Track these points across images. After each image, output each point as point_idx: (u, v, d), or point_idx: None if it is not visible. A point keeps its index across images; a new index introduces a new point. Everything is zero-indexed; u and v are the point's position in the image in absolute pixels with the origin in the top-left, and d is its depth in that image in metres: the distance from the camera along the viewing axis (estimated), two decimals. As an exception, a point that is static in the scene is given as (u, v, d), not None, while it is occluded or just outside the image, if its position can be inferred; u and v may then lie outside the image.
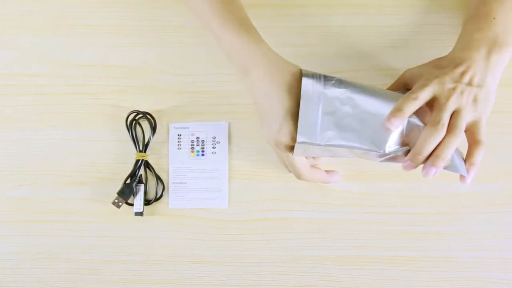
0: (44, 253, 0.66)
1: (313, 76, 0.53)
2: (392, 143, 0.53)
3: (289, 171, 0.60)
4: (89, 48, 0.67)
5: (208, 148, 0.66)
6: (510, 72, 0.61)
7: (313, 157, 0.62)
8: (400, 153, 0.54)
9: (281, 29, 0.67)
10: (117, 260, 0.66)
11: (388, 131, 0.53)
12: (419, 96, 0.52)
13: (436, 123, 0.52)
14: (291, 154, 0.55)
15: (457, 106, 0.53)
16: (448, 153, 0.52)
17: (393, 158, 0.54)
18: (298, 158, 0.56)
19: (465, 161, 0.54)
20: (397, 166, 0.65)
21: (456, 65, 0.54)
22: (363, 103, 0.53)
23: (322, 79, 0.53)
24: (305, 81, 0.52)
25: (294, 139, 0.53)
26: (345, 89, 0.53)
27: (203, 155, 0.66)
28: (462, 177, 0.54)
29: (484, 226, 0.64)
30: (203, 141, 0.66)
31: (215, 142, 0.66)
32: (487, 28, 0.56)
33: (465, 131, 0.54)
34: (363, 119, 0.52)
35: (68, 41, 0.67)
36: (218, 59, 0.66)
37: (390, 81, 0.65)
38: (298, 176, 0.59)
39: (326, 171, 0.62)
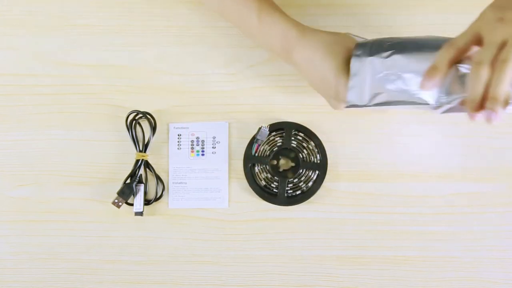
0: (44, 253, 0.66)
1: (364, 46, 0.55)
2: (443, 94, 0.51)
3: None
4: (88, 48, 0.67)
5: (208, 148, 0.66)
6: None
7: None
8: (455, 104, 0.50)
9: (281, 29, 0.67)
10: (117, 260, 0.66)
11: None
12: (455, 41, 0.48)
13: (476, 61, 0.46)
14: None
15: (504, 37, 0.45)
16: (501, 92, 0.44)
17: (450, 109, 0.51)
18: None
19: None
20: (396, 166, 0.65)
21: None
22: (408, 62, 0.52)
23: (372, 47, 0.54)
24: (355, 51, 0.54)
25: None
26: (392, 50, 0.52)
27: (203, 155, 0.66)
28: None
29: (484, 226, 0.64)
30: (203, 141, 0.66)
31: (215, 142, 0.66)
32: None
33: None
34: (407, 77, 0.51)
35: (68, 41, 0.67)
36: (218, 59, 0.66)
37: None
38: None
39: None
